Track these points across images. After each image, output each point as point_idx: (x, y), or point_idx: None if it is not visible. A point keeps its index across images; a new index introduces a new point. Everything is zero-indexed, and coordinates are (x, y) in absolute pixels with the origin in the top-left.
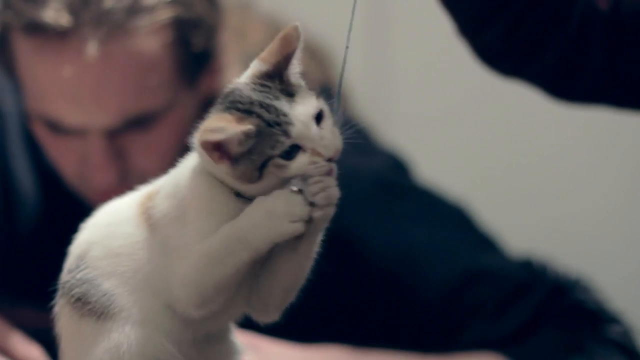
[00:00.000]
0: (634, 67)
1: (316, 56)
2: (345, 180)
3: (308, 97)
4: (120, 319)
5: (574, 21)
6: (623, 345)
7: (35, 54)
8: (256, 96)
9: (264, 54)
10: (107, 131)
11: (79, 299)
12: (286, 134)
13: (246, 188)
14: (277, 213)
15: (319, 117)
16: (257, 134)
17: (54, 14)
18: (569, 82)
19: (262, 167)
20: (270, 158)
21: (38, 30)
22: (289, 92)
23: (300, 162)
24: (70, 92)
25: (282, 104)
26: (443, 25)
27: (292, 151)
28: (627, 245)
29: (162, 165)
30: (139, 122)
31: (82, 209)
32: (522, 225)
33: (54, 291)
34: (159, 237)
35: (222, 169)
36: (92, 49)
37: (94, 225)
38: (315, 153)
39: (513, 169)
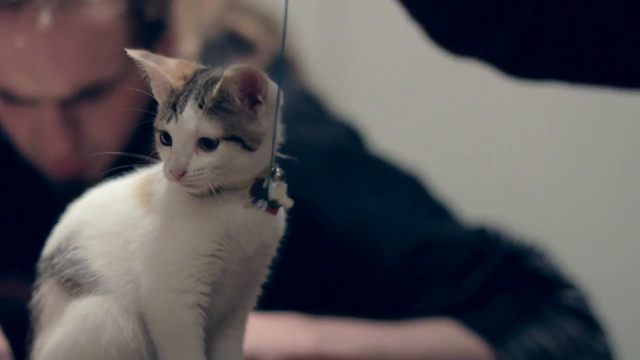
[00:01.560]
0: (587, 43)
1: (269, 25)
2: (300, 150)
3: (215, 125)
4: (104, 301)
5: None
6: (578, 311)
7: None
8: (203, 78)
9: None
10: (61, 101)
11: (69, 280)
12: (170, 119)
13: None
14: None
15: (210, 145)
16: (171, 95)
17: None
18: (524, 60)
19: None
20: (156, 128)
21: None
22: (214, 107)
23: (164, 153)
24: (24, 62)
25: (194, 103)
26: None
27: (165, 137)
28: (582, 210)
29: (116, 135)
30: (92, 92)
31: (37, 180)
32: (476, 193)
33: (9, 261)
34: (149, 221)
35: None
36: (45, 19)
37: (86, 205)
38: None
39: (467, 136)
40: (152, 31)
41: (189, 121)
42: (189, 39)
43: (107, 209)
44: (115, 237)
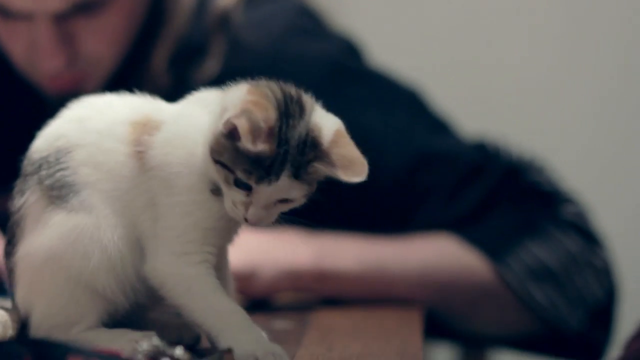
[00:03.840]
0: None
1: None
2: (298, 65)
3: (301, 187)
4: (89, 219)
5: None
6: (577, 225)
7: None
8: (295, 131)
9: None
10: (56, 15)
11: (57, 197)
12: (261, 181)
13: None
14: None
15: (286, 200)
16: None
17: None
18: None
19: (222, 164)
20: (233, 170)
21: None
22: (307, 177)
23: (238, 197)
24: None
25: (288, 171)
26: None
27: (243, 185)
28: (581, 123)
29: (112, 50)
30: (87, 7)
31: (33, 95)
32: (476, 108)
33: (6, 177)
34: (147, 183)
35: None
36: None
37: (79, 122)
38: (247, 204)
39: (469, 51)
40: None
41: (283, 188)
42: None
43: (102, 139)
44: (106, 174)
